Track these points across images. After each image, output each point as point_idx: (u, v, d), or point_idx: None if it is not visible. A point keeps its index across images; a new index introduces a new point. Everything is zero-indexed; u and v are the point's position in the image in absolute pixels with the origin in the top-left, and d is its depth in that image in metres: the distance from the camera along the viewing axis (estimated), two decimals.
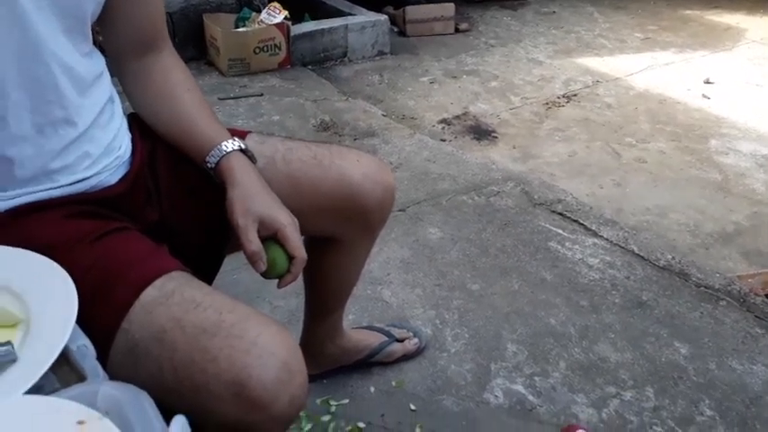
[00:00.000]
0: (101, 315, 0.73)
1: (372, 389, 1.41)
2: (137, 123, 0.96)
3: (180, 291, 0.76)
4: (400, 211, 2.02)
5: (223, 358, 0.70)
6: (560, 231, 1.95)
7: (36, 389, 0.53)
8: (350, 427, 1.32)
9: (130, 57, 0.94)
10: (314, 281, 1.23)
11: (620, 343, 1.54)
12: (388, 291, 1.69)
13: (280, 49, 3.10)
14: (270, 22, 3.07)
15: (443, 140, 2.60)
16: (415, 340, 1.49)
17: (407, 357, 1.47)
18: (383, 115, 2.75)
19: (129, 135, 0.94)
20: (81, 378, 0.57)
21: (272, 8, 3.11)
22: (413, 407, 1.37)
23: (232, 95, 2.86)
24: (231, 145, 0.91)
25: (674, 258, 1.83)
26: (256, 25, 3.09)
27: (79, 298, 0.63)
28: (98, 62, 0.88)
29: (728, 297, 1.69)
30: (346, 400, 1.37)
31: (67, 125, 0.82)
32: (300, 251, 0.88)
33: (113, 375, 0.69)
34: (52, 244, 0.75)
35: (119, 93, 0.94)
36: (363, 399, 1.39)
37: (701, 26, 4.05)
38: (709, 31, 3.96)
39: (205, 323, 0.73)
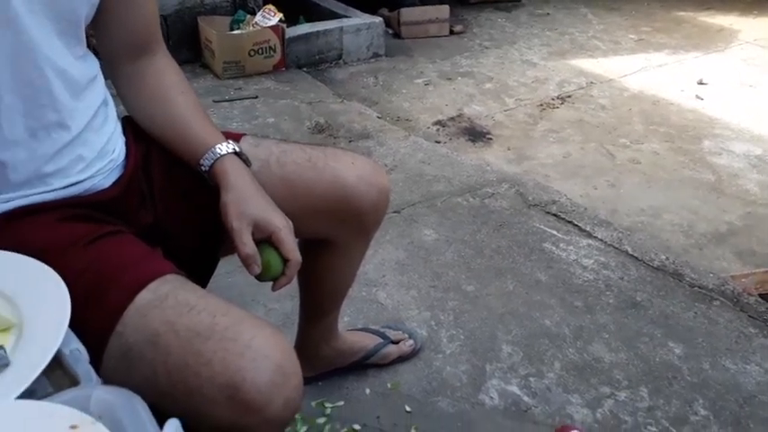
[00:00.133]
0: (94, 319, 0.73)
1: (368, 391, 1.41)
2: (130, 126, 0.96)
3: (174, 294, 0.76)
4: (395, 212, 2.02)
5: (217, 361, 0.70)
6: (555, 232, 1.95)
7: (29, 393, 0.53)
8: (345, 430, 1.32)
9: (124, 59, 0.94)
10: (309, 283, 1.23)
11: (614, 343, 1.55)
12: (384, 292, 1.70)
13: (274, 51, 3.10)
14: (265, 25, 3.07)
15: (438, 142, 2.61)
16: (411, 342, 1.49)
17: (403, 359, 1.47)
18: (378, 117, 2.75)
19: (123, 138, 0.94)
20: (74, 382, 0.56)
21: (266, 11, 3.11)
22: (408, 408, 1.37)
23: (227, 98, 2.86)
24: (225, 148, 0.91)
25: (667, 259, 1.84)
26: (251, 28, 3.09)
27: (73, 302, 0.63)
28: (92, 65, 0.88)
29: (722, 297, 1.69)
30: (341, 403, 1.37)
31: (61, 129, 0.82)
32: (295, 254, 0.88)
33: (107, 379, 0.68)
34: (46, 248, 0.75)
35: (112, 96, 0.94)
36: (359, 401, 1.39)
37: (694, 27, 4.07)
38: (703, 33, 3.98)
39: (199, 326, 0.73)
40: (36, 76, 0.78)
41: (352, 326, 1.55)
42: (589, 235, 1.94)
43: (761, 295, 1.72)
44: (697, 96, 3.10)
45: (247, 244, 0.85)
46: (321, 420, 1.33)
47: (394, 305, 1.65)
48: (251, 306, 1.59)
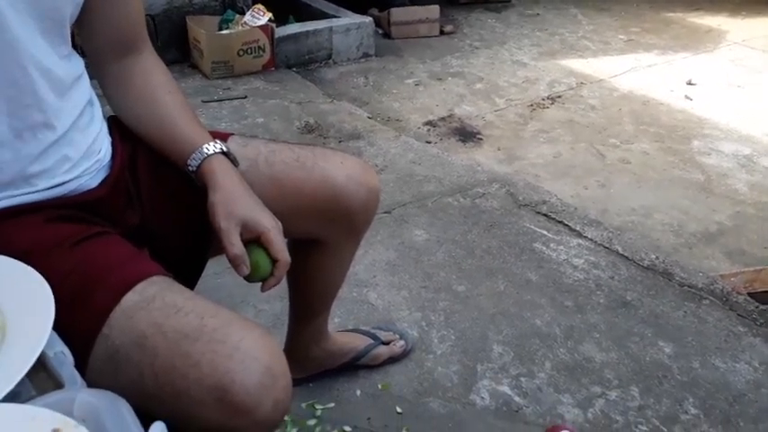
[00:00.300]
0: (80, 320, 0.72)
1: (358, 392, 1.40)
2: (117, 126, 0.95)
3: (161, 295, 0.75)
4: (386, 213, 2.01)
5: (205, 363, 0.70)
6: (545, 232, 1.95)
7: (12, 396, 0.52)
8: (336, 431, 1.31)
9: (110, 59, 0.93)
10: (298, 284, 1.22)
11: (604, 343, 1.55)
12: (374, 293, 1.69)
13: (264, 51, 3.09)
14: (254, 25, 3.06)
15: (429, 142, 2.60)
16: (402, 342, 1.48)
17: (393, 360, 1.47)
18: (368, 117, 2.74)
19: (109, 138, 0.93)
20: (58, 385, 0.56)
21: (255, 10, 3.10)
22: (399, 409, 1.36)
23: (216, 98, 2.84)
24: (213, 148, 0.90)
25: (657, 258, 1.85)
26: (240, 27, 3.08)
27: (58, 303, 0.62)
28: (77, 64, 0.87)
29: (711, 296, 1.70)
30: (332, 404, 1.37)
31: (46, 129, 0.81)
32: (284, 254, 0.87)
33: (93, 382, 0.67)
34: (31, 249, 0.74)
35: (98, 96, 0.93)
36: (349, 402, 1.38)
37: (683, 28, 4.09)
38: (692, 33, 4.00)
39: (186, 328, 0.72)
40: (20, 76, 0.77)
41: (343, 327, 1.54)
42: (579, 235, 1.95)
43: (750, 294, 1.73)
44: (686, 97, 3.12)
45: (235, 244, 0.84)
46: (311, 422, 1.32)
47: (385, 306, 1.65)
48: (240, 307, 1.58)
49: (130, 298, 0.74)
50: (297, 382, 1.36)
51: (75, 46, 0.87)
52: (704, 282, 1.75)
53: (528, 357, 1.51)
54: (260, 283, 0.89)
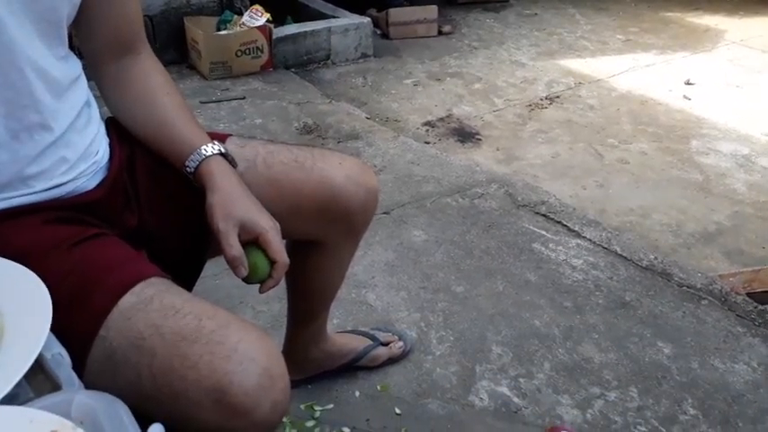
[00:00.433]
0: (78, 322, 0.72)
1: (357, 393, 1.40)
2: (114, 128, 0.95)
3: (159, 297, 0.75)
4: (384, 213, 2.01)
5: (203, 365, 0.69)
6: (544, 233, 1.95)
7: (9, 398, 0.52)
8: None
9: (108, 60, 0.92)
10: (297, 285, 1.22)
11: (603, 343, 1.55)
12: (373, 294, 1.69)
13: (262, 51, 3.09)
14: (252, 25, 3.06)
15: (427, 143, 2.60)
16: (400, 344, 1.48)
17: (392, 361, 1.47)
18: (367, 118, 2.74)
19: (107, 140, 0.93)
20: (56, 387, 0.55)
21: (253, 11, 3.10)
22: (398, 411, 1.36)
23: (214, 99, 2.84)
24: (211, 149, 0.90)
25: (656, 258, 1.85)
26: (238, 28, 3.08)
27: (56, 305, 0.62)
28: (74, 66, 0.87)
29: (710, 296, 1.70)
30: (331, 405, 1.37)
31: (43, 130, 0.81)
32: (282, 255, 0.87)
33: (91, 383, 0.67)
34: (29, 250, 0.74)
35: (96, 97, 0.93)
36: (348, 403, 1.38)
37: (681, 28, 4.10)
38: (690, 33, 4.00)
39: (185, 330, 0.72)
40: (17, 78, 0.77)
41: (342, 328, 1.54)
42: (578, 235, 1.95)
43: (748, 294, 1.73)
44: (684, 96, 3.12)
45: (234, 246, 0.84)
46: (310, 423, 1.32)
47: (383, 307, 1.65)
48: (239, 308, 1.58)
49: (128, 299, 0.74)
50: (295, 384, 1.36)
51: (72, 47, 0.87)
52: (703, 282, 1.75)
53: (527, 358, 1.50)
54: (258, 285, 0.89)
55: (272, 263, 0.87)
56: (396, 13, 3.78)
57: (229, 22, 3.14)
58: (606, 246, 1.90)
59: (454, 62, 3.50)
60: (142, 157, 0.93)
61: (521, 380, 1.45)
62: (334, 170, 1.01)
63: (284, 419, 1.27)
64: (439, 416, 1.36)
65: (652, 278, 1.77)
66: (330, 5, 3.59)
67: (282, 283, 1.02)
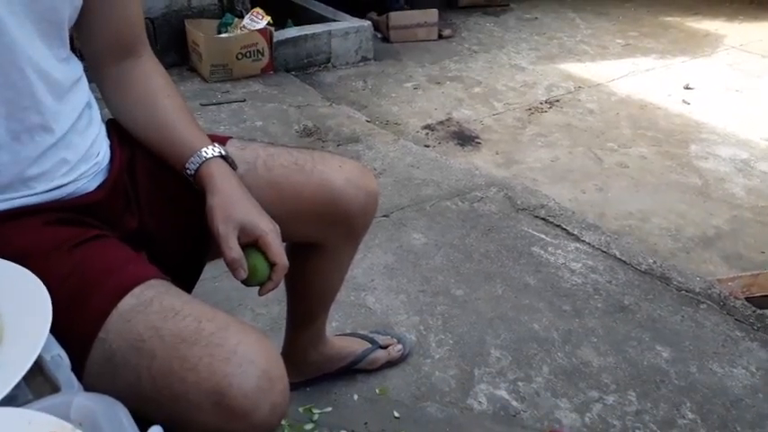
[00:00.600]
0: (78, 323, 0.72)
1: (356, 396, 1.40)
2: (115, 130, 0.95)
3: (159, 299, 0.75)
4: (384, 216, 2.01)
5: (203, 367, 0.70)
6: (543, 236, 1.96)
7: (8, 400, 0.52)
8: None
9: (109, 62, 0.92)
10: (296, 288, 1.22)
11: (602, 347, 1.55)
12: (372, 297, 1.69)
13: (263, 54, 3.10)
14: (252, 28, 3.06)
15: (427, 146, 2.61)
16: (399, 347, 1.48)
17: (391, 364, 1.47)
18: (367, 121, 2.75)
19: (108, 141, 0.93)
20: (55, 389, 0.55)
21: (254, 14, 3.10)
22: (396, 414, 1.36)
23: (214, 101, 2.84)
24: (211, 151, 0.90)
25: (655, 262, 1.85)
26: (239, 31, 3.08)
27: (56, 306, 0.62)
28: (75, 67, 0.87)
29: (709, 300, 1.70)
30: (329, 408, 1.36)
31: (44, 131, 0.81)
32: (281, 258, 0.87)
33: (90, 385, 0.67)
34: (29, 252, 0.74)
35: (97, 99, 0.93)
36: (347, 406, 1.38)
37: (680, 32, 4.11)
38: (689, 38, 4.01)
39: (184, 332, 0.72)
40: (18, 79, 0.77)
41: (341, 331, 1.54)
42: (577, 239, 1.95)
43: (747, 299, 1.73)
44: (684, 101, 3.12)
45: (233, 248, 0.84)
46: (309, 426, 1.32)
47: (383, 310, 1.65)
48: (238, 311, 1.58)
49: (128, 301, 0.74)
50: (294, 387, 1.35)
51: (74, 49, 0.87)
52: (702, 286, 1.75)
53: (526, 362, 1.51)
54: (258, 287, 0.89)
55: (272, 265, 0.87)
56: (396, 17, 3.79)
57: (230, 24, 3.14)
58: (605, 250, 1.90)
59: (454, 66, 3.50)
60: (143, 159, 0.94)
61: (519, 383, 1.45)
62: (335, 173, 1.02)
63: (283, 422, 1.27)
64: (437, 419, 1.36)
65: (651, 282, 1.77)
66: (331, 9, 3.60)
67: (282, 286, 1.03)
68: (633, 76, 3.42)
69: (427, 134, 2.75)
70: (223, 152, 0.91)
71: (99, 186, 0.88)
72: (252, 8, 3.18)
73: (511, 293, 1.72)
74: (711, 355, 1.53)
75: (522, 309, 1.67)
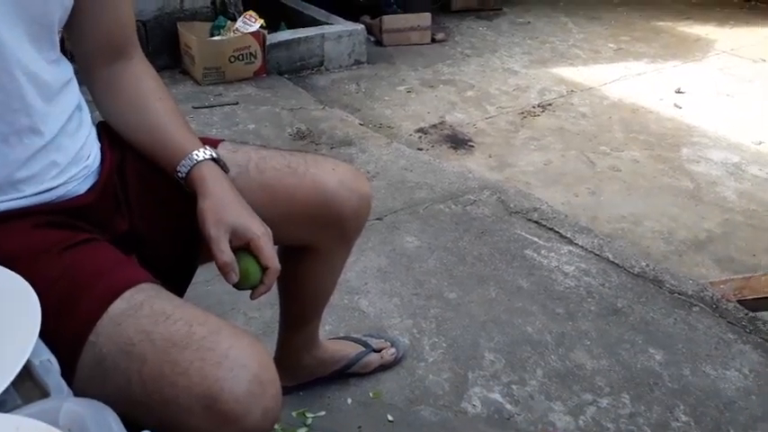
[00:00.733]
0: (68, 327, 0.72)
1: (349, 400, 1.39)
2: (106, 132, 0.94)
3: (149, 303, 0.74)
4: (377, 219, 2.01)
5: (194, 371, 0.69)
6: (536, 239, 1.96)
7: None
8: None
9: (99, 64, 0.92)
10: (289, 291, 1.22)
11: (596, 350, 1.55)
12: (366, 300, 1.68)
13: (255, 57, 3.09)
14: (245, 31, 3.06)
15: (420, 149, 2.61)
16: (393, 350, 1.48)
17: (385, 368, 1.46)
18: (360, 124, 2.75)
19: (99, 144, 0.92)
20: (44, 394, 0.55)
21: (247, 17, 3.10)
22: (390, 418, 1.36)
23: (207, 104, 2.84)
24: (203, 154, 0.89)
25: (648, 265, 1.85)
26: (232, 34, 3.08)
27: (45, 310, 0.61)
28: (65, 69, 0.86)
29: (701, 303, 1.71)
30: (323, 413, 1.36)
31: (33, 134, 0.80)
32: (273, 261, 0.86)
33: (81, 390, 0.67)
34: (18, 255, 0.73)
35: (87, 101, 0.92)
36: (340, 410, 1.37)
37: (672, 37, 4.13)
38: (681, 42, 4.03)
39: (175, 336, 0.71)
40: (7, 81, 0.76)
41: (334, 334, 1.53)
42: (570, 242, 1.95)
43: (739, 301, 1.74)
44: (675, 105, 3.14)
45: (225, 252, 0.83)
46: (302, 430, 1.31)
47: (376, 313, 1.64)
48: (230, 315, 1.57)
49: (118, 305, 0.73)
50: (287, 390, 1.35)
51: (64, 51, 0.86)
52: (694, 289, 1.76)
53: (519, 365, 1.50)
54: (250, 291, 0.88)
55: (264, 269, 0.86)
56: (389, 21, 3.79)
57: (223, 27, 3.14)
58: (598, 252, 1.90)
59: (447, 69, 3.51)
60: (133, 161, 0.93)
61: (513, 386, 1.44)
62: (327, 176, 1.01)
63: (276, 426, 1.26)
64: (431, 423, 1.35)
65: (644, 285, 1.77)
66: (324, 12, 3.60)
67: (275, 290, 1.02)
68: (625, 80, 3.44)
69: (420, 137, 2.75)
70: (214, 155, 0.90)
71: (89, 189, 0.87)
72: (245, 11, 3.17)
73: (504, 296, 1.72)
74: (704, 358, 1.54)
75: (515, 312, 1.66)
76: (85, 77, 0.94)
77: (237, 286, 0.87)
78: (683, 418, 1.38)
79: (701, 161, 2.64)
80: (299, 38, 3.28)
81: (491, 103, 3.11)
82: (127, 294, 0.74)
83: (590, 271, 1.83)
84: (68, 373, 0.66)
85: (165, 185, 0.92)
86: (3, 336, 0.57)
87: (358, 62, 3.46)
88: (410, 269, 1.81)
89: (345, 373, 1.42)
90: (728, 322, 1.64)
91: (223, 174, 0.90)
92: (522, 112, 3.03)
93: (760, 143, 2.78)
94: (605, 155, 2.67)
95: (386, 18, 3.79)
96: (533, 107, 3.09)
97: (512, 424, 1.36)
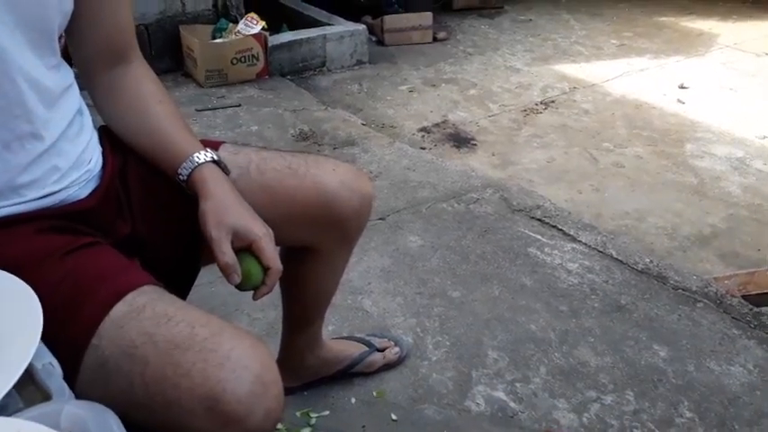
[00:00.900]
0: (70, 331, 0.72)
1: (353, 400, 1.40)
2: (107, 136, 0.95)
3: (151, 305, 0.74)
4: (380, 219, 2.01)
5: (196, 372, 0.69)
6: (539, 237, 1.96)
7: None
8: None
9: (100, 68, 0.92)
10: (292, 292, 1.22)
11: (599, 347, 1.55)
12: (369, 300, 1.69)
13: (257, 59, 3.10)
14: (247, 33, 3.06)
15: (423, 148, 2.61)
16: (396, 349, 1.48)
17: (389, 367, 1.47)
18: (362, 124, 2.75)
19: (100, 148, 0.93)
20: (46, 397, 0.55)
21: (249, 19, 3.10)
22: (394, 417, 1.36)
23: (210, 107, 2.84)
24: (203, 156, 0.90)
25: (651, 262, 1.85)
26: (233, 36, 3.08)
27: (48, 314, 0.62)
28: (66, 75, 0.87)
29: (705, 299, 1.70)
30: (327, 412, 1.36)
31: (35, 139, 0.81)
32: (275, 262, 0.87)
33: (83, 393, 0.67)
34: (21, 260, 0.74)
35: (88, 106, 0.93)
36: (344, 410, 1.38)
37: (675, 32, 4.12)
38: (683, 37, 4.02)
39: (177, 337, 0.71)
40: (9, 88, 0.77)
41: (337, 334, 1.54)
42: (573, 239, 1.95)
43: (744, 297, 1.73)
44: (678, 100, 3.13)
45: (226, 253, 0.84)
46: (306, 430, 1.32)
47: (379, 312, 1.64)
48: (234, 316, 1.58)
49: (120, 308, 0.74)
50: (291, 391, 1.35)
51: (65, 56, 0.87)
52: (698, 285, 1.75)
53: (523, 362, 1.50)
54: (252, 292, 0.89)
55: (266, 270, 0.87)
56: (391, 20, 3.79)
57: (225, 30, 3.14)
58: (602, 249, 1.90)
59: (449, 68, 3.51)
60: (135, 165, 0.93)
61: (517, 384, 1.44)
62: (328, 176, 1.01)
63: (280, 426, 1.27)
64: (435, 421, 1.36)
65: (647, 281, 1.77)
66: (325, 13, 3.60)
67: (277, 290, 1.02)
68: (628, 76, 3.43)
69: (423, 136, 2.75)
70: (215, 157, 0.91)
71: (91, 193, 0.88)
72: (246, 13, 3.18)
73: (507, 294, 1.72)
74: (709, 354, 1.53)
75: (518, 310, 1.66)
76: (86, 82, 0.94)
77: (240, 287, 0.87)
78: (688, 415, 1.38)
79: (705, 156, 2.63)
80: (301, 39, 3.28)
81: (493, 102, 3.11)
82: (129, 297, 0.74)
83: (593, 268, 1.82)
84: (71, 377, 0.67)
85: (166, 189, 0.93)
86: (5, 339, 0.58)
87: (360, 62, 3.46)
88: (413, 268, 1.81)
89: (349, 373, 1.42)
90: (733, 318, 1.64)
91: (224, 176, 0.91)
92: (525, 110, 3.02)
93: (764, 137, 2.77)
94: (608, 151, 2.66)
95: (387, 18, 3.79)
96: (536, 105, 3.08)
97: (516, 422, 1.36)
